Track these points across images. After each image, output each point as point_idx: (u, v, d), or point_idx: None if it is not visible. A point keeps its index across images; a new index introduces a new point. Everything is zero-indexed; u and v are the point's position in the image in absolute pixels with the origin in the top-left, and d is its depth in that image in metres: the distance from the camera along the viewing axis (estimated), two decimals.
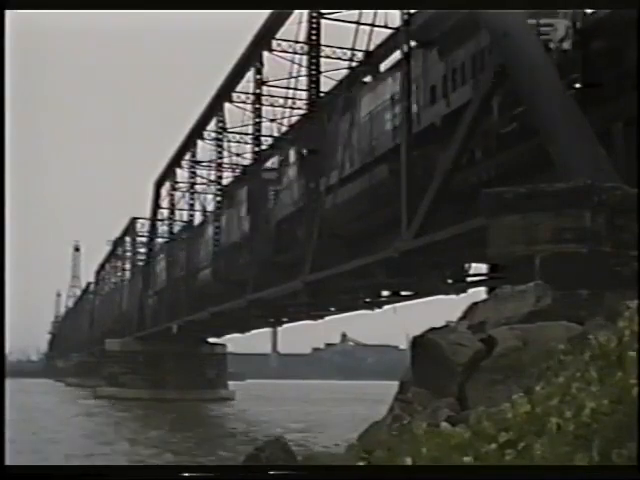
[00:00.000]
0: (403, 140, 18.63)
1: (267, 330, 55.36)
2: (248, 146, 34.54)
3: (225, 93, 34.93)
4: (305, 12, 25.09)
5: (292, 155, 29.45)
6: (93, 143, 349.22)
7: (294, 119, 31.77)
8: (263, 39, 29.56)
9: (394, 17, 21.60)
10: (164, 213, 48.95)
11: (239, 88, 33.72)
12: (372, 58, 24.19)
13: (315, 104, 25.40)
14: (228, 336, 48.18)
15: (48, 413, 38.20)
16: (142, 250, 60.01)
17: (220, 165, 38.05)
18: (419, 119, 18.92)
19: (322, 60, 25.69)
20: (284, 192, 29.10)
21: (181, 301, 42.23)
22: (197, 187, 43.02)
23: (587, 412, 3.34)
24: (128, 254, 67.04)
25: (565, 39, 14.01)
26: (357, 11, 22.51)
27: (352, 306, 29.07)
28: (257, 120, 31.69)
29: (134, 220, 62.57)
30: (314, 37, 25.25)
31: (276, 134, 33.26)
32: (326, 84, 26.58)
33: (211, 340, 49.84)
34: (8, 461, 5.95)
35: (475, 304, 8.59)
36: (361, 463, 3.94)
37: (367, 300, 26.55)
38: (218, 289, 35.26)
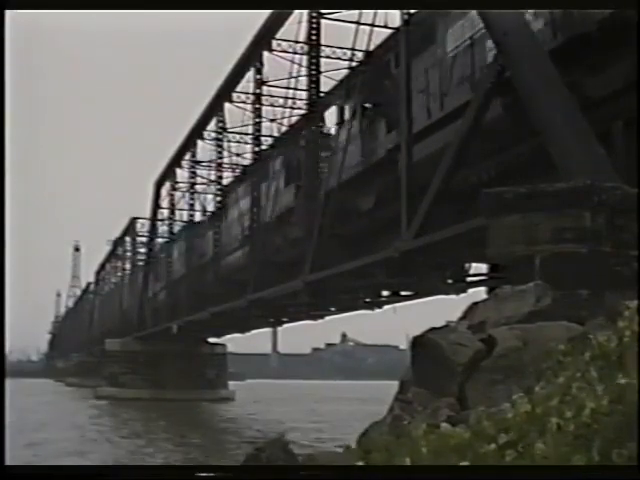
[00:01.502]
0: (403, 140, 18.61)
1: (267, 330, 55.39)
2: (248, 146, 34.60)
3: (225, 93, 34.93)
4: (305, 12, 25.10)
5: (348, 111, 23.99)
6: (93, 143, 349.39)
7: (294, 119, 31.77)
8: (263, 39, 29.56)
9: (394, 17, 21.61)
10: (164, 213, 49.04)
11: (239, 88, 33.75)
12: (372, 58, 24.15)
13: (315, 104, 25.38)
14: (228, 336, 48.23)
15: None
16: (142, 250, 60.03)
17: (220, 165, 38.06)
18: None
19: (322, 60, 25.70)
20: (337, 156, 24.00)
21: (181, 301, 42.24)
22: (197, 187, 43.06)
23: (587, 412, 3.34)
24: (128, 254, 67.06)
25: None
26: (357, 11, 22.53)
27: (352, 306, 29.07)
28: (257, 120, 31.70)
29: (134, 220, 62.59)
30: (314, 37, 25.26)
31: (276, 134, 33.25)
32: (326, 84, 26.61)
33: (211, 340, 49.87)
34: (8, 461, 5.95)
35: (475, 304, 8.58)
36: (361, 463, 3.94)
37: (367, 300, 26.55)
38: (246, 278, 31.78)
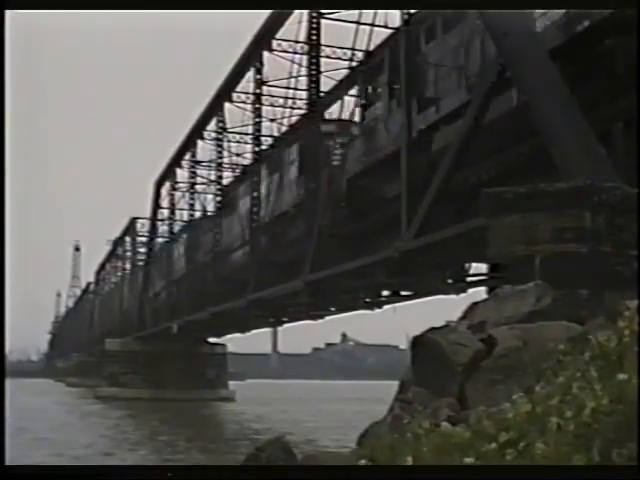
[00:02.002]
0: (403, 142, 18.59)
1: (267, 330, 55.41)
2: (248, 146, 34.60)
3: (225, 93, 34.94)
4: (305, 12, 25.11)
5: (371, 91, 22.13)
6: (93, 143, 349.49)
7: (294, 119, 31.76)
8: (263, 39, 29.58)
9: (394, 17, 21.62)
10: (164, 213, 49.08)
11: (239, 88, 33.76)
12: (372, 58, 24.14)
13: (315, 104, 25.36)
14: (228, 336, 48.24)
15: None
16: (142, 250, 60.06)
17: (220, 165, 38.07)
18: None
19: (322, 60, 25.71)
20: (360, 140, 22.32)
21: (181, 300, 42.22)
22: (197, 187, 43.08)
23: (587, 412, 3.34)
24: (128, 254, 67.08)
25: None
26: (357, 11, 22.54)
27: (352, 306, 29.07)
28: (257, 120, 31.70)
29: (134, 220, 62.62)
30: (314, 37, 25.27)
31: (276, 134, 33.24)
32: (326, 84, 26.61)
33: (211, 340, 49.88)
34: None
35: (475, 304, 8.59)
36: (361, 463, 3.94)
37: (367, 300, 26.55)
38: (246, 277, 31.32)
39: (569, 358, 4.58)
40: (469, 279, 20.89)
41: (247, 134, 34.80)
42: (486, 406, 4.38)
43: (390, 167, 19.74)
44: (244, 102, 33.76)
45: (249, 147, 34.04)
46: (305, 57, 26.30)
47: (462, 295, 20.91)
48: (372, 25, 23.49)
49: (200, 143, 40.89)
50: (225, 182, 38.74)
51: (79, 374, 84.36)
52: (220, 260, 36.04)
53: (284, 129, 32.64)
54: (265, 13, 27.64)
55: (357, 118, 23.76)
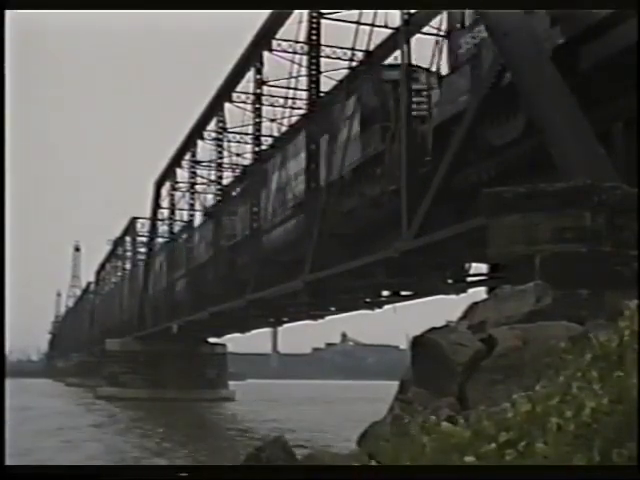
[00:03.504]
0: (403, 142, 18.58)
1: (267, 330, 55.42)
2: (248, 146, 34.63)
3: (225, 93, 34.97)
4: (305, 12, 25.12)
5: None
6: (93, 143, 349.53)
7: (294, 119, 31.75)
8: (263, 39, 29.59)
9: (394, 17, 21.62)
10: (164, 213, 49.12)
11: (239, 88, 33.79)
12: (372, 58, 24.12)
13: (315, 104, 25.35)
14: (228, 336, 48.26)
15: None
16: (142, 250, 60.10)
17: (220, 165, 38.10)
18: None
19: (322, 60, 25.71)
20: (455, 76, 17.11)
21: (182, 300, 42.22)
22: (197, 187, 43.11)
23: (587, 412, 3.34)
24: (128, 254, 67.10)
25: None
26: (357, 11, 22.54)
27: (352, 306, 29.08)
28: (257, 120, 31.72)
29: (134, 220, 62.67)
30: (314, 37, 25.27)
31: (276, 134, 33.24)
32: (326, 84, 26.61)
33: (211, 340, 49.90)
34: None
35: (475, 304, 8.59)
36: (361, 463, 3.94)
37: (367, 300, 26.55)
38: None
39: (570, 358, 4.58)
40: (469, 279, 20.90)
41: (247, 134, 34.84)
42: (486, 406, 4.38)
43: (502, 103, 15.08)
44: (244, 102, 33.81)
45: (249, 147, 34.09)
46: (305, 57, 26.30)
47: (462, 295, 20.93)
48: (372, 25, 23.50)
49: (200, 143, 40.94)
50: (225, 182, 38.74)
51: (79, 374, 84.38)
52: (256, 240, 30.49)
53: (284, 129, 32.66)
54: (265, 13, 27.70)
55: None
